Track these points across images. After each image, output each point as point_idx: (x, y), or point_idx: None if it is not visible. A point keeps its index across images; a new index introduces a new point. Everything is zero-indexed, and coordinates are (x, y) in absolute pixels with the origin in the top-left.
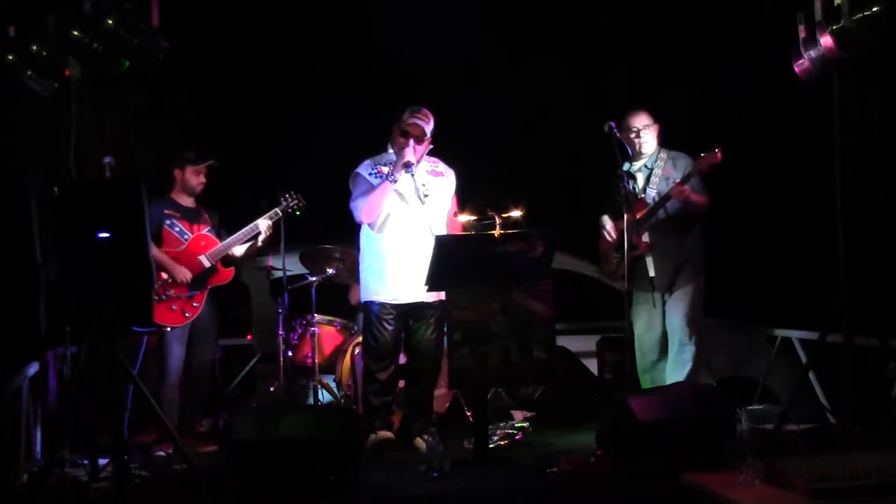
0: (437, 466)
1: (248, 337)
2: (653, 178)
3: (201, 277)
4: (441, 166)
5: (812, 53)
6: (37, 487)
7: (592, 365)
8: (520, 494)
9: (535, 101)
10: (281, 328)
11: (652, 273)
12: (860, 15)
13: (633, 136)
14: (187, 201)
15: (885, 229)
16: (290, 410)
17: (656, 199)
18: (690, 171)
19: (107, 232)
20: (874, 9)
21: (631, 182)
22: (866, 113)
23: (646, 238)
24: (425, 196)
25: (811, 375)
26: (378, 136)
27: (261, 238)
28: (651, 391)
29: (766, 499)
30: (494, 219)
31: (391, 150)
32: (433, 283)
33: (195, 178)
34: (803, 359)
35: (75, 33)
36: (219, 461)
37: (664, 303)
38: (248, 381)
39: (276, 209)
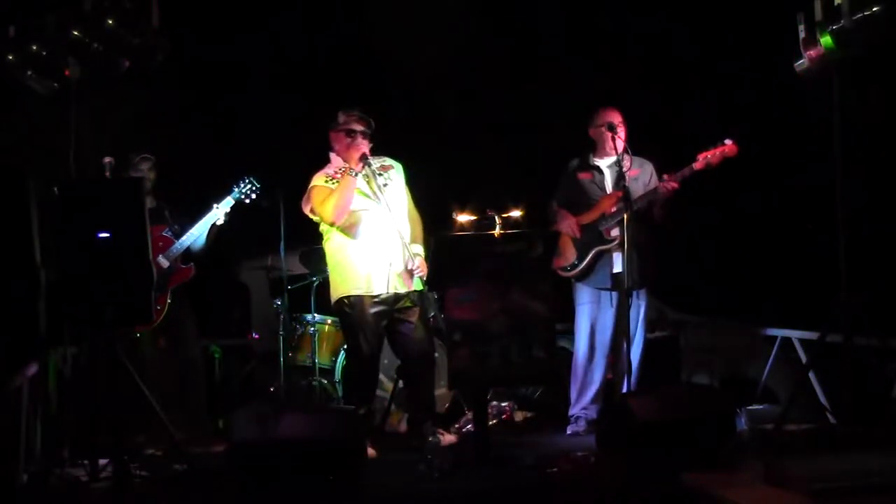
0: (438, 466)
1: (249, 337)
2: (625, 177)
3: (162, 278)
4: (387, 160)
5: (812, 53)
6: (37, 487)
7: None
8: (520, 494)
9: (535, 100)
10: (281, 328)
11: (618, 269)
12: (860, 15)
13: (613, 131)
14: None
15: (885, 229)
16: (290, 410)
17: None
18: (702, 163)
19: (107, 232)
20: (874, 9)
21: (597, 176)
22: (866, 113)
23: (615, 232)
24: (384, 185)
25: (811, 375)
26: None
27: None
28: (651, 391)
29: (766, 499)
30: (494, 219)
31: (336, 158)
32: (433, 283)
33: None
34: (803, 359)
35: (75, 33)
36: (219, 461)
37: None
38: (248, 381)
39: (229, 197)
